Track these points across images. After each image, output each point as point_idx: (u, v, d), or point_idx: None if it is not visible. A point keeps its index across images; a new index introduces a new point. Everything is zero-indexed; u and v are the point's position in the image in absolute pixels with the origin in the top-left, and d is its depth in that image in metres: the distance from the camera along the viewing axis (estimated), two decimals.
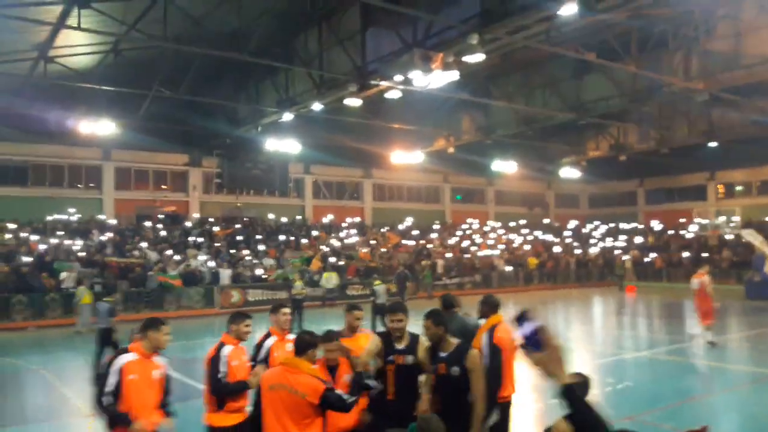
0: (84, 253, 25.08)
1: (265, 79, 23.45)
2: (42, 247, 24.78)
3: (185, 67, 20.64)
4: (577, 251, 38.78)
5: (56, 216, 28.24)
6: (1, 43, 17.89)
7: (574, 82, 24.08)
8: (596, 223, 44.56)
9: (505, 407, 5.56)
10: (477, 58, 14.68)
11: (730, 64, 19.17)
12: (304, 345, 4.39)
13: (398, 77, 16.81)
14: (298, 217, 35.31)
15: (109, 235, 27.38)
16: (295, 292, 19.27)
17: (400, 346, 4.98)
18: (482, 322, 5.86)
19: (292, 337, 5.45)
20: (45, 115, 23.03)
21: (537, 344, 1.95)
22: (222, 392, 5.21)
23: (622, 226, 42.82)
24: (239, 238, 30.26)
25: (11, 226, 26.31)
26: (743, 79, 19.53)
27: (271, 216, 34.09)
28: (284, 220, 34.44)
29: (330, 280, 26.15)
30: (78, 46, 19.68)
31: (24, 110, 22.84)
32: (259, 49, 18.86)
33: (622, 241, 40.38)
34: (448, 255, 33.65)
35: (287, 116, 22.20)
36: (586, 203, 48.53)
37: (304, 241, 31.78)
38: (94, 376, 10.56)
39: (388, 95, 18.70)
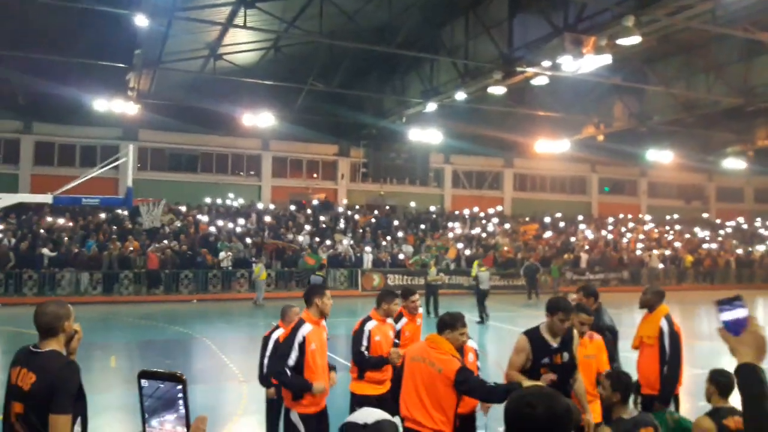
0: (245, 235, 27.05)
1: (411, 71, 23.74)
2: (208, 228, 27.07)
3: (337, 61, 21.43)
4: (740, 250, 35.09)
5: (220, 200, 30.72)
6: (179, 43, 19.72)
7: (743, 65, 21.65)
8: (763, 219, 40.06)
9: (676, 399, 5.54)
10: (632, 41, 13.72)
11: None
12: (442, 325, 4.53)
13: (546, 63, 16.24)
14: (437, 206, 35.43)
15: (267, 218, 29.25)
16: (430, 278, 19.39)
17: (555, 343, 4.64)
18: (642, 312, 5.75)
19: (391, 321, 5.85)
20: (213, 108, 25.03)
21: (737, 331, 1.89)
22: (362, 365, 5.57)
23: None
24: (381, 224, 30.98)
25: (182, 208, 29.03)
26: None
27: (412, 204, 34.53)
28: (430, 207, 34.70)
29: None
30: (243, 43, 21.19)
31: (195, 103, 25.00)
32: (406, 41, 19.11)
33: None
34: (591, 249, 32.00)
35: (431, 106, 22.29)
36: (752, 197, 43.76)
37: (442, 229, 31.83)
38: None
39: (535, 82, 18.11)
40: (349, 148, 33.28)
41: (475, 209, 35.20)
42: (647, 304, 5.67)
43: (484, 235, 32.09)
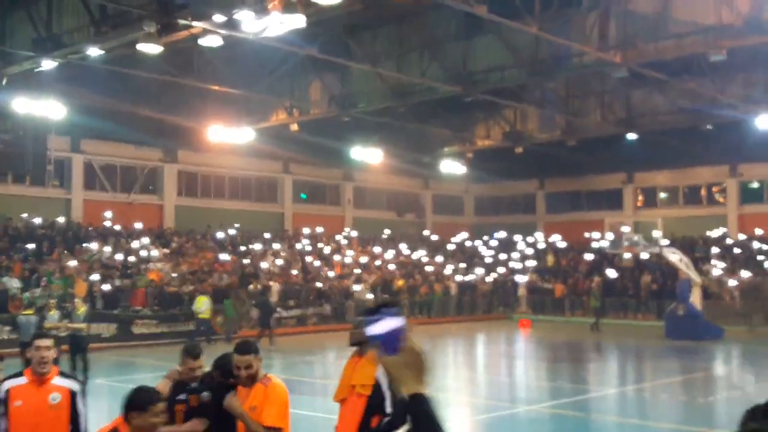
0: None
1: (16, 7, 22.69)
2: None
3: None
4: (460, 275, 40.17)
5: None
6: None
7: (461, 45, 25.05)
8: (485, 237, 46.48)
9: None
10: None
11: (656, 31, 20.95)
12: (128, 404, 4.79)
13: (219, 17, 16.54)
14: (61, 218, 33.55)
15: None
16: (49, 325, 18.53)
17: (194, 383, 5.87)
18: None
19: None
20: None
21: (393, 346, 2.09)
22: None
23: (518, 239, 44.93)
24: None
25: None
26: (671, 52, 21.50)
27: (24, 215, 32.26)
28: (39, 220, 32.58)
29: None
30: None
31: None
32: None
33: (516, 260, 42.34)
34: (284, 276, 33.59)
35: (48, 64, 21.60)
36: (471, 209, 50.65)
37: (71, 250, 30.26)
38: None
39: (204, 42, 18.38)
40: None
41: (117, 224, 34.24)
42: (360, 341, 5.97)
43: (144, 254, 31.52)
